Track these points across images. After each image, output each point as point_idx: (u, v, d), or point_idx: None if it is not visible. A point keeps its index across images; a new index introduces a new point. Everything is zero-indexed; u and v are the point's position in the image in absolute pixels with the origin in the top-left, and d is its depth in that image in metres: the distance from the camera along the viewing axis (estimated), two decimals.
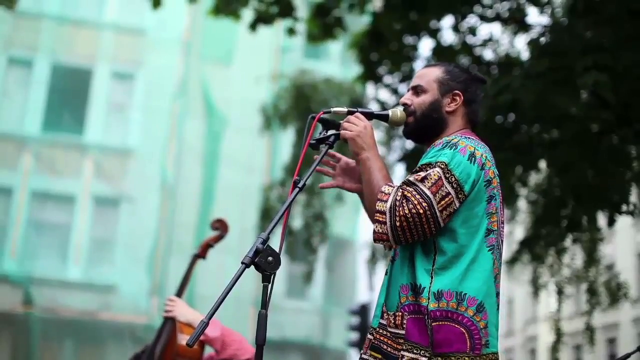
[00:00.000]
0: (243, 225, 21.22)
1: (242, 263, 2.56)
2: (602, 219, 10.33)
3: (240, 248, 19.49)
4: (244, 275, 2.57)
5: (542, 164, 10.77)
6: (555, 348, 12.77)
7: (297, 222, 17.57)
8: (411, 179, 2.89)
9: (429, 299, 2.85)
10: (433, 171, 2.88)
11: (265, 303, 2.59)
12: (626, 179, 9.31)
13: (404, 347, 2.85)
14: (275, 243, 2.68)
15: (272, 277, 2.61)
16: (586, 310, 12.69)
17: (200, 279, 22.70)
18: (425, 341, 2.83)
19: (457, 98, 3.17)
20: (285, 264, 20.26)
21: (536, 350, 35.95)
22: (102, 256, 23.15)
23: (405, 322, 2.87)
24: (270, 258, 2.58)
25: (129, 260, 22.73)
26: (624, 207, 9.13)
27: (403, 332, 2.87)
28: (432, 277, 2.88)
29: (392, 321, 2.91)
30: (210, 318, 2.46)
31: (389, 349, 2.91)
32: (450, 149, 2.94)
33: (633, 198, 9.62)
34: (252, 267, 2.58)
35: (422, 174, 2.89)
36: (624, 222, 12.53)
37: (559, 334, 12.63)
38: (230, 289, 2.49)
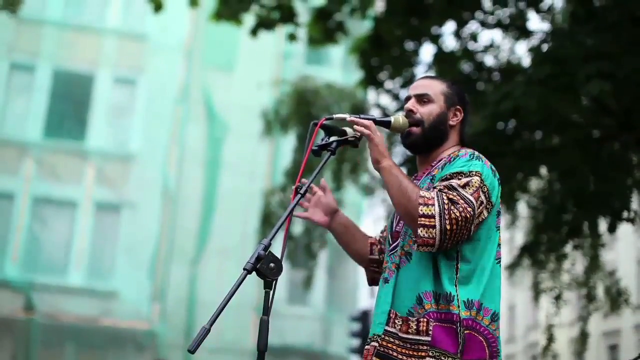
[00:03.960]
0: (244, 230, 21.22)
1: (244, 269, 2.55)
2: (603, 225, 10.33)
3: (242, 253, 19.48)
4: (245, 282, 2.57)
5: (543, 170, 10.77)
6: (545, 353, 12.84)
7: (297, 228, 17.55)
8: (453, 183, 2.89)
9: (459, 307, 2.88)
10: (473, 179, 2.90)
11: (267, 309, 2.59)
12: (627, 185, 9.31)
13: (430, 354, 2.84)
14: (277, 249, 2.67)
15: (273, 283, 2.61)
16: (582, 316, 12.75)
17: (201, 285, 22.70)
18: (454, 348, 2.84)
19: (458, 114, 3.22)
20: (286, 270, 20.23)
21: (537, 356, 35.90)
22: (104, 262, 23.13)
23: (431, 328, 2.87)
24: (272, 264, 2.58)
25: (130, 266, 22.71)
26: (625, 214, 9.14)
27: (428, 338, 2.86)
28: (457, 286, 2.91)
29: (415, 327, 2.89)
30: (212, 324, 2.45)
31: (401, 357, 2.89)
32: (479, 161, 2.99)
33: (634, 205, 9.62)
34: (254, 273, 2.58)
35: (464, 179, 2.90)
36: (625, 228, 12.52)
37: (550, 338, 12.69)
38: (232, 295, 2.48)
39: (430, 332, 2.86)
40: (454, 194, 2.85)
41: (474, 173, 2.93)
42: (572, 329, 14.50)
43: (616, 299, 12.95)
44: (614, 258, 28.99)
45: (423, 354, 2.85)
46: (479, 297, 2.92)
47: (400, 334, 2.91)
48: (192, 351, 2.41)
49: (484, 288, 2.95)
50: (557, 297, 12.90)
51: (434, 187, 2.92)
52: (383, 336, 2.95)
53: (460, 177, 2.91)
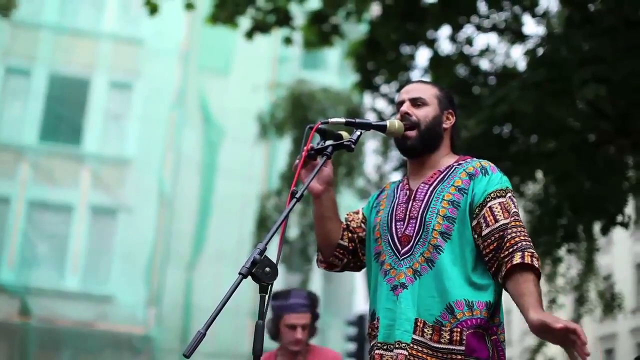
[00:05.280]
0: (240, 235, 21.20)
1: (240, 274, 2.54)
2: (598, 229, 10.36)
3: (238, 258, 19.47)
4: (241, 286, 2.56)
5: (539, 174, 10.77)
6: (534, 356, 12.95)
7: (293, 232, 17.54)
8: (516, 217, 2.98)
9: (489, 314, 2.94)
10: (511, 197, 3.02)
11: (262, 314, 2.58)
12: (623, 189, 9.31)
13: None
14: (272, 253, 2.67)
15: (269, 287, 2.60)
16: (574, 319, 12.84)
17: (197, 290, 22.67)
18: (487, 354, 2.89)
19: (451, 117, 3.24)
20: (282, 274, 20.22)
21: None
22: (100, 266, 23.10)
23: (464, 338, 2.88)
24: (267, 269, 2.57)
25: (126, 270, 22.69)
26: (619, 218, 9.13)
27: (462, 348, 2.87)
28: (489, 294, 2.96)
29: (448, 337, 2.89)
30: (207, 328, 2.43)
31: None
32: (503, 175, 3.09)
33: (630, 209, 9.61)
34: (250, 277, 2.57)
35: (512, 207, 2.99)
36: (621, 233, 12.57)
37: (541, 342, 12.80)
38: (227, 299, 2.47)
39: (464, 342, 2.88)
40: (522, 224, 2.97)
41: (510, 190, 3.04)
42: None
43: (610, 303, 13.00)
44: (610, 262, 29.01)
45: None
46: (499, 306, 3.01)
47: (431, 344, 2.90)
48: (187, 355, 2.40)
49: (499, 297, 3.01)
50: (552, 301, 12.95)
51: (508, 222, 2.94)
52: (412, 345, 2.92)
53: (504, 195, 3.00)
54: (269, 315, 4.75)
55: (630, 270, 29.88)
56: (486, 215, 2.95)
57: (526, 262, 2.79)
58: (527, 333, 35.86)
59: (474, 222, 2.98)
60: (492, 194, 2.98)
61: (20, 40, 23.70)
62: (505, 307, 3.04)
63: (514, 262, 2.80)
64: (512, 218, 2.94)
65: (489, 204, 2.96)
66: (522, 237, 2.88)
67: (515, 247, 2.84)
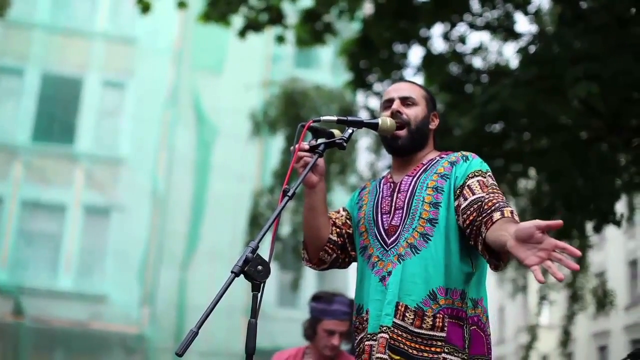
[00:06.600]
0: (234, 234, 21.18)
1: (232, 272, 2.54)
2: (591, 227, 10.40)
3: (231, 256, 19.44)
4: (235, 285, 2.56)
5: (532, 172, 10.80)
6: (528, 353, 13.00)
7: (285, 230, 17.53)
8: (494, 187, 3.01)
9: (467, 304, 2.95)
10: (493, 179, 3.07)
11: (254, 312, 2.57)
12: (615, 187, 9.33)
13: (446, 350, 2.88)
14: (265, 251, 2.67)
15: (261, 285, 2.60)
16: (567, 315, 12.89)
17: (191, 288, 22.65)
18: (462, 344, 2.90)
19: (435, 119, 3.32)
20: (276, 272, 20.23)
21: (528, 358, 35.87)
22: (93, 266, 23.07)
23: (446, 324, 2.90)
24: (259, 267, 2.57)
25: (119, 269, 22.67)
26: (611, 217, 9.15)
27: (443, 334, 2.90)
28: (469, 283, 2.99)
29: (430, 323, 2.91)
30: (200, 327, 2.43)
31: (411, 351, 2.89)
32: (483, 161, 3.14)
33: (622, 207, 9.64)
34: (242, 276, 2.57)
35: (490, 181, 3.03)
36: (615, 230, 12.62)
37: (533, 338, 12.83)
38: (220, 298, 2.47)
39: (445, 329, 2.90)
40: (500, 193, 2.99)
41: (489, 171, 3.08)
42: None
43: (602, 300, 13.04)
44: (603, 259, 29.10)
45: (438, 349, 2.88)
46: (481, 296, 3.03)
47: (412, 329, 2.91)
48: (180, 354, 2.39)
49: (483, 287, 3.05)
50: (543, 298, 13.01)
51: (488, 190, 2.97)
52: (393, 329, 2.93)
53: (485, 176, 3.04)
54: (306, 315, 4.78)
55: (623, 267, 29.95)
56: (465, 192, 2.98)
57: (506, 216, 2.77)
58: (521, 330, 36.05)
59: (456, 203, 3.01)
60: (470, 175, 3.04)
61: (12, 39, 23.66)
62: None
63: (494, 220, 2.77)
64: (489, 189, 2.97)
65: (467, 183, 3.00)
66: (499, 199, 2.88)
67: (493, 207, 2.83)
